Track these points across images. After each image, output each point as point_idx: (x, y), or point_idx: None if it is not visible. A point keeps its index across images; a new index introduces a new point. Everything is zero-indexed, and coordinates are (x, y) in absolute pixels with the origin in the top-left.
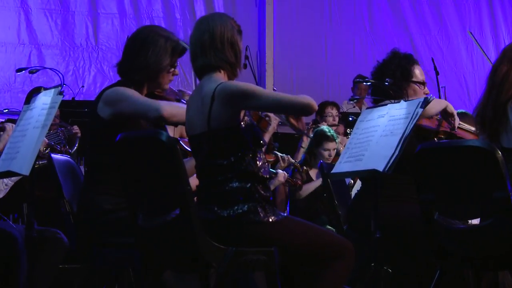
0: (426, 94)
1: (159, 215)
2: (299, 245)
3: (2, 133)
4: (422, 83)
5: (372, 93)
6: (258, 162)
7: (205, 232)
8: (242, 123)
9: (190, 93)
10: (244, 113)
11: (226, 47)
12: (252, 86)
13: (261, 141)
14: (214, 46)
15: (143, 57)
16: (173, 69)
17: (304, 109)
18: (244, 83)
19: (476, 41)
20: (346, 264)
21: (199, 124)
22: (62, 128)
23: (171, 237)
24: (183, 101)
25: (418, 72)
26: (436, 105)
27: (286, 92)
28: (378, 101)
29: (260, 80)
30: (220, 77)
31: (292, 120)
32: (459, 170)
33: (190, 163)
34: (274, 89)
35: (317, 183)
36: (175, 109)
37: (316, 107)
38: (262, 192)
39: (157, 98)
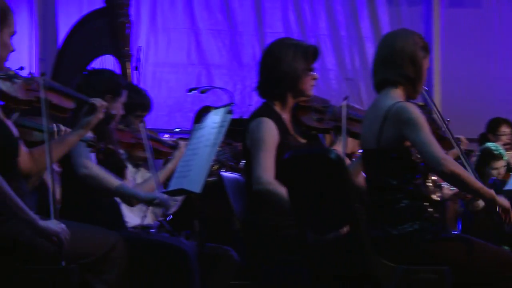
0: None
1: (327, 232)
2: (473, 264)
3: (175, 151)
4: None
5: None
6: (429, 185)
7: (374, 250)
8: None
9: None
10: None
11: (406, 62)
12: (421, 120)
13: None
14: (393, 61)
15: (278, 71)
16: (311, 72)
17: (433, 167)
18: (417, 113)
19: None
20: None
21: (370, 140)
22: (228, 145)
23: (340, 254)
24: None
25: None
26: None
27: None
28: None
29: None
30: (398, 94)
31: None
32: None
33: None
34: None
35: None
36: None
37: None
38: (432, 212)
39: (302, 110)
